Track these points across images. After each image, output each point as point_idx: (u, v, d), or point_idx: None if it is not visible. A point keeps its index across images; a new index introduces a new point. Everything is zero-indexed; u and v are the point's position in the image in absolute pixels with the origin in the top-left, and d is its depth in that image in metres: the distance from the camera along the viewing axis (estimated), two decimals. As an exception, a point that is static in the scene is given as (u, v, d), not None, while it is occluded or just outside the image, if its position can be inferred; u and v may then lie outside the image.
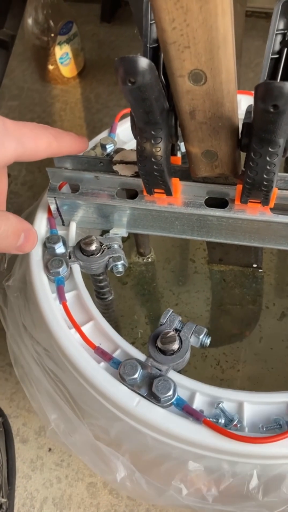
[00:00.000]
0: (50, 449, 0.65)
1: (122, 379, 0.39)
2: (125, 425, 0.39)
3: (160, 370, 0.40)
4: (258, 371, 0.61)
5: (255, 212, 0.45)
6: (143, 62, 0.31)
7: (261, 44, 1.51)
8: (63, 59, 1.32)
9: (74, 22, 1.30)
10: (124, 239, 0.52)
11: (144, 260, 0.60)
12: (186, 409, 0.38)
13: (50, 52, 1.29)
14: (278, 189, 0.44)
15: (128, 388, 0.39)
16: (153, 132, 0.38)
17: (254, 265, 0.56)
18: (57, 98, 1.36)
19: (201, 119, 0.36)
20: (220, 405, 0.39)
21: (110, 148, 0.55)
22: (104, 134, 0.58)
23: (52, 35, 1.27)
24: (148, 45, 0.39)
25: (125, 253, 0.48)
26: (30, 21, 1.22)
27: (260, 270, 0.57)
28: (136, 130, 0.38)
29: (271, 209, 0.45)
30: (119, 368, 0.39)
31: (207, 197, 0.46)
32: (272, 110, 0.30)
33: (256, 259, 0.55)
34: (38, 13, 1.24)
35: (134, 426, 0.39)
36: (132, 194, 0.48)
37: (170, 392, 0.38)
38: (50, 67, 1.33)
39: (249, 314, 0.63)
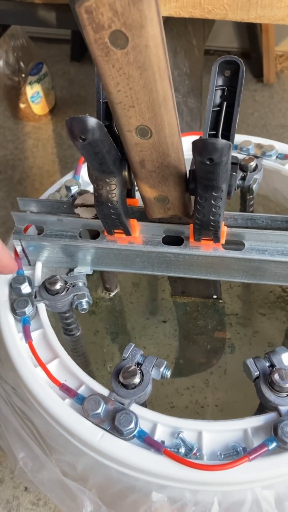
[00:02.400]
0: (26, 488, 0.65)
1: (86, 414, 0.41)
2: (90, 460, 0.41)
3: (122, 404, 0.41)
4: (228, 398, 0.63)
5: (208, 249, 0.48)
6: (92, 121, 0.34)
7: (225, 80, 1.59)
8: (34, 97, 1.36)
9: (44, 63, 1.35)
10: (90, 275, 0.54)
11: (111, 295, 0.62)
12: (147, 441, 0.40)
13: (22, 92, 1.34)
14: (228, 226, 0.47)
15: (92, 423, 0.41)
16: (107, 180, 0.41)
17: (214, 296, 0.59)
18: (29, 135, 1.40)
19: (150, 168, 0.40)
20: (180, 435, 0.41)
21: (74, 189, 0.58)
22: (69, 176, 0.61)
23: (23, 75, 1.32)
24: (101, 100, 0.42)
25: (94, 288, 0.50)
26: (1, 63, 1.27)
27: (220, 301, 0.60)
28: (92, 178, 0.41)
29: (223, 245, 0.48)
30: (83, 403, 0.41)
31: (164, 236, 0.49)
32: (208, 162, 0.33)
33: (215, 291, 0.58)
34: (9, 55, 1.29)
35: (98, 460, 0.40)
36: (95, 234, 0.51)
37: (132, 425, 0.40)
38: (22, 105, 1.37)
39: (215, 343, 0.65)
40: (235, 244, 0.48)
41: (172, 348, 0.65)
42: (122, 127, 0.37)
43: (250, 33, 1.51)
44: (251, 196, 0.62)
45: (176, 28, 0.86)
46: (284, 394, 0.41)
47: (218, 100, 0.42)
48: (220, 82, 0.41)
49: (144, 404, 0.45)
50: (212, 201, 0.40)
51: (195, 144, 0.33)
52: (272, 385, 0.41)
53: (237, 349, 0.64)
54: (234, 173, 0.40)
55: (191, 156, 0.36)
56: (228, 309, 0.62)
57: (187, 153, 0.37)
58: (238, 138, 0.64)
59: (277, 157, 0.62)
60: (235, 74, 0.41)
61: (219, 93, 0.42)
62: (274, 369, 0.41)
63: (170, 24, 0.83)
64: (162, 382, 0.71)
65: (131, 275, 0.65)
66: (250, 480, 0.39)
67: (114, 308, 0.63)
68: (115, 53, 0.31)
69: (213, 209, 0.40)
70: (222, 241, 0.47)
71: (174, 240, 0.49)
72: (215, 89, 0.41)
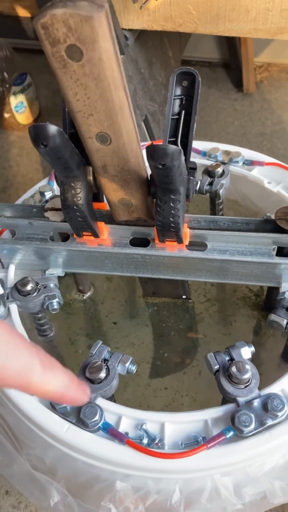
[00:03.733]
0: (7, 492, 0.66)
1: (53, 408, 0.43)
2: (57, 452, 0.42)
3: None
4: (204, 397, 0.65)
5: (173, 249, 0.50)
6: (52, 129, 0.36)
7: (205, 90, 1.63)
8: (18, 107, 1.39)
9: (29, 74, 1.38)
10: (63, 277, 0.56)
11: (85, 297, 0.64)
12: (111, 432, 0.41)
13: (6, 102, 1.36)
14: (192, 228, 0.50)
15: (59, 416, 0.42)
16: (72, 184, 0.43)
17: (183, 296, 0.61)
18: (13, 144, 1.42)
19: (112, 173, 0.42)
20: (143, 426, 0.43)
21: (48, 195, 0.60)
22: (43, 182, 0.63)
23: (7, 85, 1.34)
24: (66, 109, 0.44)
25: (68, 290, 0.52)
26: (-16, 74, 1.29)
27: (190, 301, 0.62)
28: (59, 182, 0.44)
29: (187, 246, 0.50)
30: (51, 398, 0.43)
31: (131, 237, 0.51)
32: (160, 167, 0.35)
33: (184, 291, 0.60)
34: (-7, 66, 1.31)
35: (65, 452, 0.42)
36: (66, 237, 0.53)
37: (97, 417, 0.41)
38: (6, 115, 1.39)
39: (188, 342, 0.67)
40: (199, 245, 0.51)
41: (147, 348, 0.67)
42: (83, 134, 0.39)
43: (230, 45, 1.55)
44: (220, 201, 0.64)
45: (151, 40, 0.89)
46: (242, 386, 0.43)
47: (177, 109, 0.44)
48: (178, 91, 0.44)
49: (112, 398, 0.47)
50: (171, 204, 0.42)
51: (148, 150, 0.35)
52: (230, 377, 0.43)
53: (211, 348, 0.66)
54: (191, 177, 0.43)
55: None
56: (198, 308, 0.64)
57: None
58: (207, 145, 0.67)
59: (243, 163, 0.64)
60: (192, 84, 0.43)
61: (177, 102, 0.44)
62: (232, 362, 0.43)
63: (145, 36, 0.86)
64: (138, 384, 0.73)
65: (105, 276, 0.68)
66: (209, 467, 0.41)
67: (89, 309, 0.65)
68: (72, 66, 0.34)
69: (172, 211, 0.43)
70: (186, 242, 0.50)
71: (141, 241, 0.51)
72: (174, 99, 0.44)
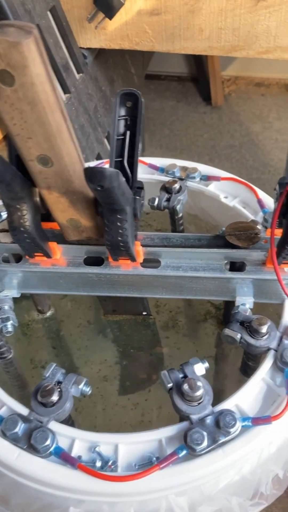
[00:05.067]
0: None
1: (3, 434, 0.42)
2: (8, 480, 0.41)
3: (41, 422, 0.42)
4: (171, 411, 0.64)
5: (128, 267, 0.50)
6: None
7: (175, 103, 1.65)
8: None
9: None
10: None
11: (44, 317, 0.64)
12: (63, 457, 0.41)
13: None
14: (146, 246, 0.50)
15: (10, 442, 0.41)
16: (18, 206, 0.43)
17: (144, 313, 0.61)
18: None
19: (57, 194, 0.42)
20: (97, 448, 0.42)
21: (4, 215, 0.60)
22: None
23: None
24: None
25: (26, 311, 0.52)
26: None
27: (151, 317, 0.62)
28: (4, 204, 0.43)
29: (142, 263, 0.50)
30: (1, 424, 0.42)
31: (85, 257, 0.51)
32: (99, 188, 0.36)
33: (144, 307, 0.60)
34: None
35: (16, 480, 0.41)
36: (19, 258, 0.52)
37: (48, 442, 0.41)
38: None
39: (153, 358, 0.67)
40: (154, 262, 0.51)
41: (111, 366, 0.66)
42: (24, 157, 0.39)
43: (196, 59, 1.58)
44: (179, 216, 0.65)
45: (111, 58, 0.90)
46: (195, 403, 0.43)
47: (122, 129, 0.45)
48: (122, 112, 0.44)
49: (69, 422, 0.47)
50: (118, 223, 0.42)
51: (85, 172, 0.35)
52: (183, 395, 0.43)
53: (175, 363, 0.66)
54: (137, 197, 0.43)
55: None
56: (163, 323, 0.64)
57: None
58: (164, 161, 0.68)
59: (200, 178, 0.65)
60: (136, 105, 0.44)
61: (122, 122, 0.45)
62: (184, 379, 0.43)
63: (105, 54, 0.87)
64: (106, 403, 0.72)
65: (65, 295, 0.67)
66: (163, 488, 0.40)
67: (50, 329, 0.64)
68: (5, 90, 0.34)
69: (120, 231, 0.43)
70: (139, 260, 0.50)
71: (96, 260, 0.51)
72: (118, 119, 0.44)
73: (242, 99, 1.63)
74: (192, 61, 1.62)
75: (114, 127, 0.44)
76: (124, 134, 0.44)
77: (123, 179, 0.37)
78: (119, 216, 0.41)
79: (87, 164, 0.62)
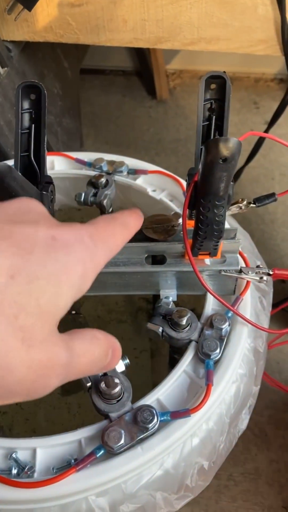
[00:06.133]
0: None
1: None
2: None
3: None
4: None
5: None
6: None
7: (120, 98, 1.64)
8: None
9: None
10: None
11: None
12: (-24, 467, 0.39)
13: None
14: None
15: None
16: None
17: (73, 312, 0.60)
18: None
19: None
20: (14, 455, 0.41)
21: None
22: None
23: None
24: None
25: None
26: None
27: (80, 315, 0.61)
28: None
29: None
30: None
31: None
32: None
33: (72, 306, 0.59)
34: None
35: None
36: None
37: None
38: None
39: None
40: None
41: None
42: None
43: (139, 53, 1.57)
44: (109, 211, 0.64)
45: (41, 52, 0.87)
46: (114, 401, 0.42)
47: (27, 123, 0.43)
48: (26, 105, 0.43)
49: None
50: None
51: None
52: (101, 393, 0.42)
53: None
54: (45, 192, 0.42)
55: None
56: (91, 321, 0.63)
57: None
58: (92, 155, 0.66)
59: (128, 172, 0.64)
60: (39, 98, 0.42)
61: (27, 116, 0.43)
62: (102, 377, 0.42)
63: (34, 48, 0.84)
64: (54, 407, 0.71)
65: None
66: (82, 490, 0.39)
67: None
68: None
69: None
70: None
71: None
72: (22, 113, 0.42)
73: (187, 93, 1.63)
74: (135, 56, 1.61)
75: (18, 121, 0.42)
76: (29, 128, 0.43)
77: (19, 173, 0.35)
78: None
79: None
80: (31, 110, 0.43)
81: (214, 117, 0.43)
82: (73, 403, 0.72)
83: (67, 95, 0.95)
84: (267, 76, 1.65)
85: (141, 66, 1.61)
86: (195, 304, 0.64)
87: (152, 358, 0.65)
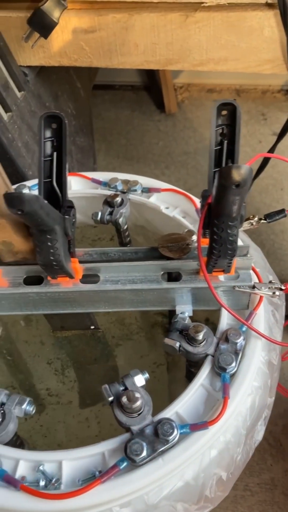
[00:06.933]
0: None
1: None
2: None
3: (-16, 446, 0.43)
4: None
5: (68, 284, 0.51)
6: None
7: (130, 113, 1.67)
8: None
9: None
10: None
11: (-6, 337, 0.64)
12: (6, 479, 0.41)
13: None
14: (84, 262, 0.51)
15: None
16: None
17: (92, 327, 0.62)
18: None
19: (-14, 218, 0.43)
20: (41, 467, 0.42)
21: None
22: None
23: None
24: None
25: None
26: None
27: (99, 330, 0.63)
28: None
29: (81, 279, 0.51)
30: None
31: (25, 276, 0.51)
32: (20, 213, 0.36)
33: (91, 321, 0.61)
34: None
35: None
36: None
37: (-10, 465, 0.41)
38: None
39: (106, 370, 0.68)
40: (94, 277, 0.52)
41: (65, 383, 0.66)
42: None
43: (147, 69, 1.60)
44: (123, 229, 0.66)
45: (55, 74, 0.91)
46: (135, 415, 0.44)
47: (49, 151, 0.45)
48: (48, 134, 0.45)
49: (17, 442, 0.47)
50: (49, 243, 0.43)
51: (4, 198, 0.36)
52: (122, 407, 0.44)
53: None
54: (67, 216, 0.44)
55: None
56: (109, 336, 0.65)
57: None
58: (107, 175, 0.69)
59: (142, 190, 0.67)
60: (60, 127, 0.45)
61: (49, 144, 0.45)
62: (123, 392, 0.44)
63: (48, 71, 0.88)
64: (68, 419, 0.72)
65: (9, 316, 0.67)
66: (106, 501, 0.41)
67: (0, 349, 0.64)
68: None
69: (51, 250, 0.44)
70: (78, 276, 0.50)
71: (36, 279, 0.52)
72: (44, 141, 0.45)
73: (195, 106, 1.66)
74: (144, 71, 1.65)
75: (41, 149, 0.45)
76: (51, 155, 0.45)
77: (44, 201, 0.38)
78: (48, 236, 0.42)
79: (15, 186, 0.62)
80: (52, 139, 0.45)
81: (225, 141, 0.45)
82: (91, 417, 0.74)
83: (80, 114, 0.98)
84: (273, 88, 1.67)
85: (150, 80, 1.64)
86: (209, 314, 0.65)
87: (169, 372, 0.66)
